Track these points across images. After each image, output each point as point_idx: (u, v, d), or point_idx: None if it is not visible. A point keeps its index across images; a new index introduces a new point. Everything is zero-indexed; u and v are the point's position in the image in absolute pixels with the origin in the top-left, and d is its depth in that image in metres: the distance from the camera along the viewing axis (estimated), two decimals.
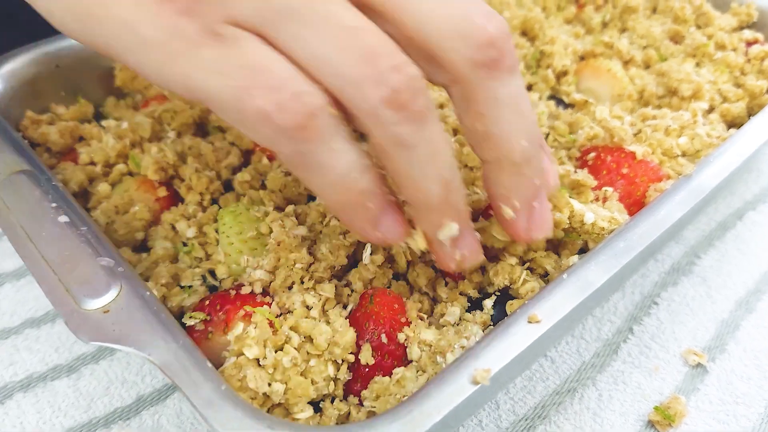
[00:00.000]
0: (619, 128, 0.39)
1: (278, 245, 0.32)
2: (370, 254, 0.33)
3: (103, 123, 0.42)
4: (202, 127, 0.43)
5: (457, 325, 0.31)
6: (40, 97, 0.43)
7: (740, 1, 0.54)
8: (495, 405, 0.35)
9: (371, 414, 0.27)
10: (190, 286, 0.34)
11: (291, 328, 0.29)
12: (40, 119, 0.42)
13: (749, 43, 0.51)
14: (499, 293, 0.33)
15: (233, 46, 0.23)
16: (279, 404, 0.27)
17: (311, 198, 0.38)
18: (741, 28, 0.53)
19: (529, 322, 0.27)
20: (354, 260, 0.34)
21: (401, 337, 0.29)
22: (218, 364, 0.28)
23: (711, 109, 0.46)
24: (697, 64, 0.50)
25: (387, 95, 0.23)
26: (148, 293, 0.28)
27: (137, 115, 0.42)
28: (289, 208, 0.35)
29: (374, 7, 0.24)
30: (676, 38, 0.52)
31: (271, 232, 0.34)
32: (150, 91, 0.45)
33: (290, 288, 0.32)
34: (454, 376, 0.25)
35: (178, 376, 0.25)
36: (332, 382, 0.28)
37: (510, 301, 0.31)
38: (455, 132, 0.41)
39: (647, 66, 0.50)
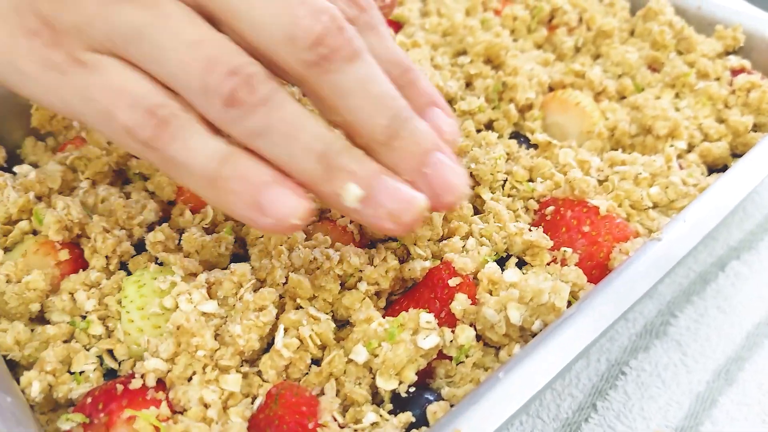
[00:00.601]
0: (581, 180, 0.34)
1: (178, 330, 0.28)
2: (283, 336, 0.28)
3: (16, 169, 0.38)
4: (123, 173, 0.39)
5: (375, 426, 0.26)
6: None
7: (726, 23, 0.49)
8: None
9: None
10: (83, 372, 0.30)
11: None
12: None
13: (735, 72, 0.46)
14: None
15: (95, 71, 0.26)
16: None
17: (235, 260, 0.34)
18: (727, 53, 0.49)
19: None
20: (271, 341, 0.30)
21: None
22: None
23: (691, 148, 0.42)
24: (677, 96, 0.45)
25: (226, 97, 0.25)
26: (9, 399, 0.24)
27: (51, 162, 0.38)
28: (200, 278, 0.31)
29: (216, 17, 0.26)
30: (655, 65, 0.47)
31: (177, 307, 0.30)
32: (69, 133, 0.41)
33: (190, 380, 0.28)
34: None
35: None
36: None
37: (432, 405, 0.27)
38: None
39: (622, 97, 0.46)
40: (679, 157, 0.41)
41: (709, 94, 0.44)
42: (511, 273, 0.31)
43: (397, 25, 0.52)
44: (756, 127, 0.43)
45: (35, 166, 0.40)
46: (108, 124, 0.26)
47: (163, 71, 0.25)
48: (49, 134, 0.42)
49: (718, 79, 0.46)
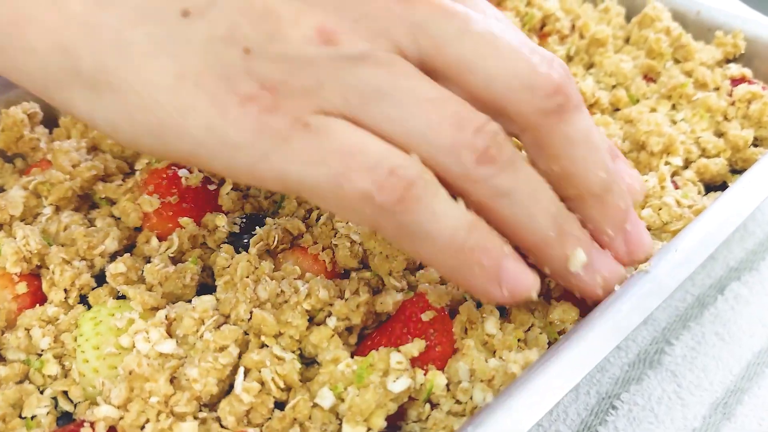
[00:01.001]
0: None
1: (130, 376, 0.26)
2: (243, 380, 0.27)
3: None
4: (90, 198, 0.37)
5: None
6: None
7: (726, 28, 0.47)
8: None
9: None
10: (33, 417, 0.28)
11: None
12: None
13: (735, 81, 0.44)
14: None
15: (323, 134, 0.24)
16: None
17: (203, 290, 0.33)
18: (727, 60, 0.46)
19: None
20: (231, 384, 0.28)
21: None
22: None
23: (687, 164, 0.40)
24: (674, 107, 0.43)
25: (479, 155, 0.24)
26: None
27: (15, 186, 0.36)
28: (159, 315, 0.29)
29: (440, 72, 0.25)
30: (651, 74, 0.45)
31: (134, 346, 0.28)
32: (37, 154, 0.39)
33: (143, 428, 0.26)
34: None
35: None
36: None
37: None
38: None
39: (616, 109, 0.44)
40: (674, 174, 0.39)
41: (707, 105, 0.42)
42: (491, 324, 0.29)
43: None
44: (757, 141, 0.41)
45: (1, 189, 0.38)
46: (338, 190, 0.24)
47: (402, 130, 0.24)
48: (18, 155, 0.41)
49: (717, 89, 0.44)
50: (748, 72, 0.44)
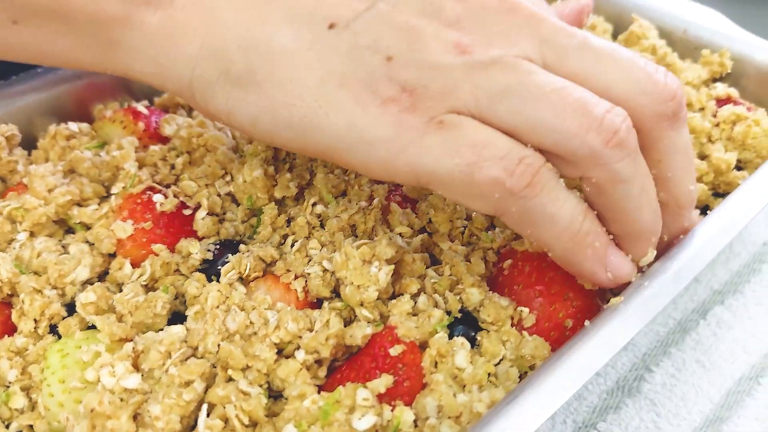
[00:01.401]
0: None
1: (92, 414, 0.26)
2: (207, 417, 0.26)
3: None
4: (64, 223, 0.37)
5: None
6: None
7: (713, 47, 0.46)
8: None
9: None
10: None
11: None
12: None
13: (720, 102, 0.43)
14: None
15: (456, 130, 0.27)
16: None
17: (176, 318, 0.32)
18: (714, 80, 0.46)
19: None
20: (196, 420, 0.28)
21: None
22: None
23: None
24: None
25: (609, 137, 0.26)
26: None
27: None
28: (126, 348, 0.29)
29: (558, 71, 0.28)
30: None
31: (99, 381, 0.28)
32: (14, 177, 0.39)
33: None
34: None
35: None
36: None
37: None
38: None
39: None
40: None
41: (691, 126, 0.41)
42: (462, 358, 0.29)
43: None
44: (740, 163, 0.41)
45: None
46: (469, 178, 0.26)
47: (528, 121, 0.27)
48: None
49: (702, 109, 0.43)
50: (734, 92, 0.44)
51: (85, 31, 0.31)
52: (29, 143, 0.41)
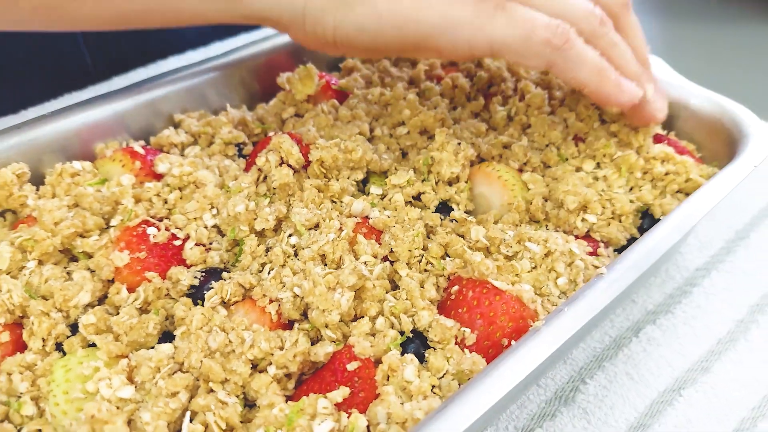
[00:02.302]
0: (480, 263, 0.37)
1: (92, 419, 0.31)
2: (190, 422, 0.31)
3: None
4: (69, 252, 0.42)
5: None
6: None
7: None
8: None
9: None
10: None
11: None
12: None
13: (656, 140, 0.49)
14: None
15: (514, 11, 0.41)
16: None
17: (166, 337, 0.37)
18: None
19: None
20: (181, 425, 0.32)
21: None
22: None
23: (608, 220, 0.44)
24: (598, 165, 0.48)
25: (600, 20, 0.43)
26: None
27: (2, 242, 0.41)
28: (122, 363, 0.34)
29: None
30: (581, 134, 0.50)
31: (98, 392, 0.33)
32: (24, 210, 0.44)
33: None
34: None
35: None
36: None
37: None
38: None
39: (547, 167, 0.48)
40: (589, 231, 0.43)
41: (628, 163, 0.47)
42: (410, 372, 0.33)
43: (341, 95, 0.55)
44: (681, 190, 0.46)
45: None
46: (528, 42, 0.41)
47: (558, 8, 0.42)
48: (7, 211, 0.46)
49: (640, 147, 0.48)
50: (671, 133, 0.49)
51: None
52: (38, 179, 0.46)
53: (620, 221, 0.44)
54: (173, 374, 0.34)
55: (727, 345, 0.44)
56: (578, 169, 0.47)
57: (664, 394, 0.41)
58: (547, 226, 0.44)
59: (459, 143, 0.47)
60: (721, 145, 0.49)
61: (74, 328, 0.38)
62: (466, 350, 0.36)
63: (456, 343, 0.36)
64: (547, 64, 0.42)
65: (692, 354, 0.43)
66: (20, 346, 0.37)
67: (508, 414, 0.40)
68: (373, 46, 0.43)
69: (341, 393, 0.33)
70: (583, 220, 0.43)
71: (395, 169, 0.48)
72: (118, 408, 0.32)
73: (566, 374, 0.42)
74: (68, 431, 0.32)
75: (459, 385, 0.34)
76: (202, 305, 0.37)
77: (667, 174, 0.46)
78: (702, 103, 0.50)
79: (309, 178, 0.46)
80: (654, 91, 0.47)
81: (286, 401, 0.33)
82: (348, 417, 0.32)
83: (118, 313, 0.38)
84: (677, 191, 0.46)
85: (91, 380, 0.33)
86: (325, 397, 0.32)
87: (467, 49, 0.41)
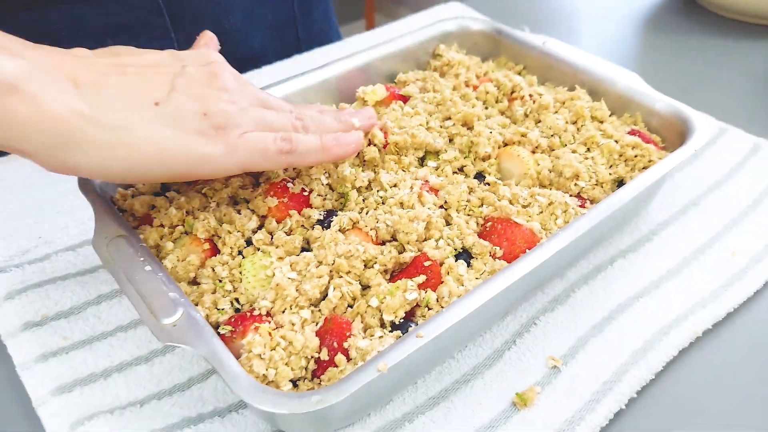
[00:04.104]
0: (506, 206, 0.58)
1: (276, 286, 0.52)
2: (333, 291, 0.53)
3: (167, 194, 0.63)
4: (234, 198, 0.64)
5: (381, 337, 0.50)
6: None
7: (633, 109, 0.72)
8: (414, 388, 0.54)
9: None
10: (223, 309, 0.54)
11: (281, 337, 0.49)
12: (127, 194, 0.63)
13: (631, 133, 0.69)
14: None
15: (248, 139, 0.53)
16: (272, 381, 0.47)
17: (304, 249, 0.59)
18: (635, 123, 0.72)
19: (417, 336, 0.46)
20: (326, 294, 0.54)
21: (346, 344, 0.49)
22: (238, 357, 0.48)
23: (593, 186, 0.65)
24: (588, 149, 0.68)
25: (295, 115, 0.59)
26: (198, 314, 0.49)
27: (190, 191, 0.63)
28: (287, 260, 0.55)
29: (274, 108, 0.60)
30: (577, 127, 0.71)
31: (273, 275, 0.54)
32: None
33: (284, 312, 0.52)
34: (369, 367, 0.44)
35: (216, 363, 0.45)
36: (304, 370, 0.48)
37: (413, 327, 0.51)
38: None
39: (552, 150, 0.69)
40: (581, 192, 0.64)
41: (609, 149, 0.67)
42: (462, 269, 0.54)
43: (404, 99, 0.76)
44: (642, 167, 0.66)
45: (177, 192, 0.65)
46: (267, 157, 0.53)
47: (272, 124, 0.55)
48: None
49: (617, 138, 0.69)
50: (642, 127, 0.70)
51: None
52: None
53: (602, 187, 0.65)
54: (318, 267, 0.55)
55: (674, 273, 0.65)
56: (574, 152, 0.68)
57: (627, 300, 0.61)
58: (550, 188, 0.65)
59: (490, 132, 0.69)
60: (677, 137, 0.69)
61: (247, 242, 0.59)
62: (496, 260, 0.57)
63: (489, 255, 0.57)
64: (287, 164, 0.55)
65: (649, 277, 0.64)
66: (215, 252, 0.59)
67: (522, 308, 0.61)
68: (146, 181, 0.61)
69: (420, 279, 0.54)
70: (575, 184, 0.64)
71: (445, 150, 0.69)
72: (290, 279, 0.53)
73: (561, 286, 0.63)
74: (257, 297, 0.54)
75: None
76: (329, 229, 0.59)
77: (636, 156, 0.67)
78: (664, 107, 0.71)
79: (387, 154, 0.67)
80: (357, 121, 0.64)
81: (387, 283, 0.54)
82: (425, 293, 0.53)
83: (272, 237, 0.59)
84: (643, 168, 0.67)
85: (269, 268, 0.55)
86: (412, 280, 0.53)
87: (225, 173, 0.53)
